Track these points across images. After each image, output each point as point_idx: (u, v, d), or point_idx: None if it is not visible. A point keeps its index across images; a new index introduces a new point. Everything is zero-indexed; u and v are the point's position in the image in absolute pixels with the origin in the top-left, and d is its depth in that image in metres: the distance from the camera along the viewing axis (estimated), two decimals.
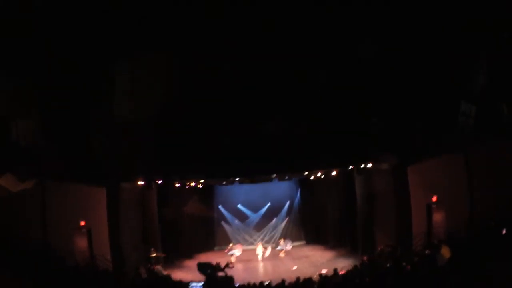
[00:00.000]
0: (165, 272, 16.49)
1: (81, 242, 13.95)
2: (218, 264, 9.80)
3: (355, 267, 13.22)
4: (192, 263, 19.15)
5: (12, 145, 10.09)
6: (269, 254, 20.94)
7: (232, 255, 19.93)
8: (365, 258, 14.80)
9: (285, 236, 23.03)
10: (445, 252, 9.73)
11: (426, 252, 11.30)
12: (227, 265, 9.17)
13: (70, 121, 13.17)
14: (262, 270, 19.01)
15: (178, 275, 16.72)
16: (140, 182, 17.59)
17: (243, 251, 21.77)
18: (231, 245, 21.19)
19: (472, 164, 11.48)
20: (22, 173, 9.93)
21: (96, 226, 14.94)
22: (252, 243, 23.62)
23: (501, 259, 7.42)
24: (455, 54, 10.85)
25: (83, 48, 12.09)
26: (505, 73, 9.71)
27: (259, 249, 20.88)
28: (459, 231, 10.50)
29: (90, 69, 12.73)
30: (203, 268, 7.44)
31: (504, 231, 8.39)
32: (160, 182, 19.18)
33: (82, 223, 13.95)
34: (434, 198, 13.67)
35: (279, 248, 21.21)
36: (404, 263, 10.75)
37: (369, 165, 17.27)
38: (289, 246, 21.40)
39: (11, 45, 10.06)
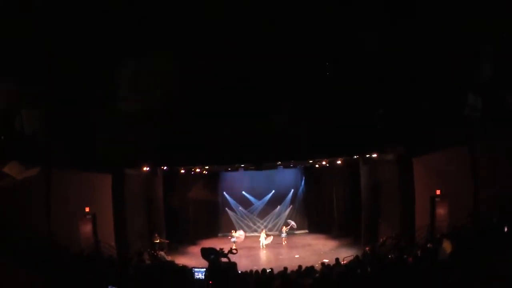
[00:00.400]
0: (168, 258, 16.72)
1: (86, 229, 14.11)
2: (221, 249, 9.84)
3: (357, 257, 13.29)
4: (195, 249, 19.38)
5: (16, 133, 10.16)
6: (272, 241, 21.09)
7: (234, 242, 20.07)
8: (367, 248, 14.85)
9: (286, 224, 23.08)
10: (447, 246, 9.69)
11: (428, 245, 11.29)
12: (230, 251, 9.20)
13: (75, 110, 13.20)
14: (264, 257, 19.19)
15: (181, 261, 16.92)
16: (146, 169, 17.65)
17: (246, 237, 22.01)
18: (233, 232, 21.35)
19: (477, 158, 11.36)
20: (26, 160, 10.00)
21: (101, 213, 15.09)
22: (255, 230, 23.80)
23: (502, 257, 7.37)
24: (460, 45, 10.65)
25: (88, 44, 12.07)
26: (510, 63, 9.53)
27: (262, 237, 21.05)
28: (462, 226, 10.43)
29: (94, 62, 12.72)
30: (206, 253, 7.45)
31: (506, 229, 8.31)
32: (165, 168, 19.28)
33: (87, 209, 14.08)
34: (438, 191, 13.59)
35: (282, 235, 21.35)
36: (406, 256, 10.79)
37: (375, 155, 17.20)
38: (293, 224, 21.74)
39: (14, 43, 10.04)
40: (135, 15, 11.74)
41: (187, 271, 9.47)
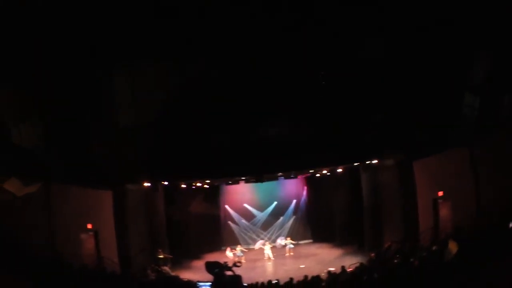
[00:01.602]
0: (172, 273, 16.60)
1: (88, 245, 14.02)
2: (226, 263, 9.81)
3: (362, 264, 13.19)
4: (199, 263, 19.23)
5: (15, 149, 10.17)
6: (276, 253, 20.95)
7: (238, 256, 19.91)
8: (372, 254, 14.75)
9: (290, 235, 23.08)
10: (452, 247, 9.62)
11: (434, 247, 11.21)
12: (235, 264, 9.18)
13: (74, 125, 13.26)
14: (269, 269, 19.03)
15: (185, 275, 16.81)
16: (146, 184, 17.64)
17: (250, 250, 21.90)
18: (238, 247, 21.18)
19: (477, 157, 11.37)
20: (26, 176, 9.98)
21: (103, 228, 15.01)
22: (258, 242, 23.44)
23: (508, 254, 7.31)
24: (456, 47, 10.78)
25: (84, 55, 12.18)
26: (508, 64, 9.62)
27: (267, 249, 20.90)
28: (466, 226, 10.38)
29: (92, 76, 12.84)
30: (211, 267, 7.45)
31: (511, 225, 8.27)
32: (165, 183, 19.25)
33: (89, 225, 14.02)
34: (440, 193, 13.56)
35: (288, 246, 21.23)
36: (411, 259, 10.70)
37: (375, 161, 17.22)
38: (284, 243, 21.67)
39: (12, 52, 10.14)
40: (134, 27, 11.87)
41: (192, 286, 9.41)
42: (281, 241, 21.88)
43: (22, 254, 9.01)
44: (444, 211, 13.52)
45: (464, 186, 11.74)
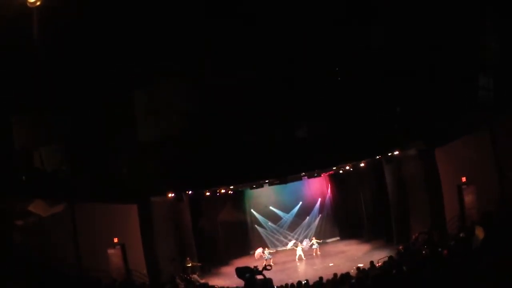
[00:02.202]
0: (202, 281, 16.74)
1: (116, 259, 14.32)
2: (256, 267, 9.86)
3: (391, 257, 13.00)
4: (228, 269, 19.40)
5: (39, 172, 10.53)
6: (304, 253, 20.85)
7: (266, 259, 19.88)
8: (401, 247, 14.51)
9: (317, 234, 22.94)
10: (479, 233, 9.41)
11: (461, 235, 10.95)
12: (265, 267, 9.22)
13: (96, 143, 13.61)
14: (299, 270, 19.00)
15: (215, 282, 16.95)
16: (171, 195, 17.89)
17: (279, 252, 21.86)
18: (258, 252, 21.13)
19: (498, 139, 11.04)
20: (50, 197, 10.32)
21: (130, 242, 15.29)
22: (286, 244, 23.44)
23: None
24: (468, 28, 10.51)
25: (105, 74, 12.52)
26: None
27: (299, 249, 20.86)
28: (492, 211, 10.07)
29: (113, 94, 13.16)
30: (242, 272, 7.54)
31: None
32: (190, 192, 19.47)
33: (116, 240, 14.33)
34: (464, 179, 13.27)
35: (314, 246, 21.10)
36: (440, 249, 10.49)
37: (396, 152, 16.98)
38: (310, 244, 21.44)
39: (30, 75, 10.49)
40: (152, 43, 12.09)
41: None
42: (306, 242, 21.70)
43: (52, 275, 9.27)
44: (469, 197, 13.23)
45: (488, 170, 11.43)
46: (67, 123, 11.62)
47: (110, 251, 14.12)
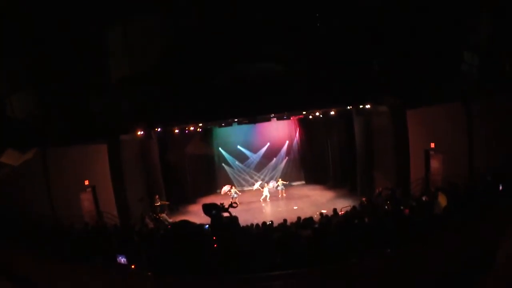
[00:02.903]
0: (170, 219, 17.09)
1: (88, 202, 14.24)
2: (222, 204, 10.04)
3: (354, 207, 13.60)
4: (196, 208, 19.79)
5: (7, 120, 9.88)
6: (270, 194, 21.50)
7: (232, 198, 20.38)
8: (364, 199, 15.17)
9: (283, 176, 23.41)
10: (442, 200, 9.91)
11: (423, 198, 11.54)
12: (231, 205, 9.40)
13: (68, 83, 12.81)
14: (264, 210, 19.64)
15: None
16: (140, 133, 17.54)
17: (245, 192, 22.45)
18: (232, 187, 21.64)
19: (473, 114, 11.32)
20: (21, 144, 9.82)
21: (101, 184, 15.16)
22: (252, 184, 23.99)
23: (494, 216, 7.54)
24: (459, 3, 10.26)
25: (77, 10, 11.43)
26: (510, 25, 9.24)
27: (265, 190, 21.42)
28: (457, 181, 10.61)
29: (83, 31, 12.13)
30: (208, 209, 7.64)
31: (500, 187, 8.48)
32: (159, 130, 19.16)
33: (87, 182, 14.13)
34: (432, 145, 13.68)
35: (279, 188, 21.74)
36: (402, 207, 11.03)
37: (368, 106, 17.09)
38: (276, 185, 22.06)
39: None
40: None
41: (202, 228, 9.47)
42: (273, 183, 22.33)
43: (24, 221, 9.12)
44: (435, 164, 13.70)
45: (458, 142, 11.79)
46: (37, 65, 10.70)
47: (82, 195, 13.96)
